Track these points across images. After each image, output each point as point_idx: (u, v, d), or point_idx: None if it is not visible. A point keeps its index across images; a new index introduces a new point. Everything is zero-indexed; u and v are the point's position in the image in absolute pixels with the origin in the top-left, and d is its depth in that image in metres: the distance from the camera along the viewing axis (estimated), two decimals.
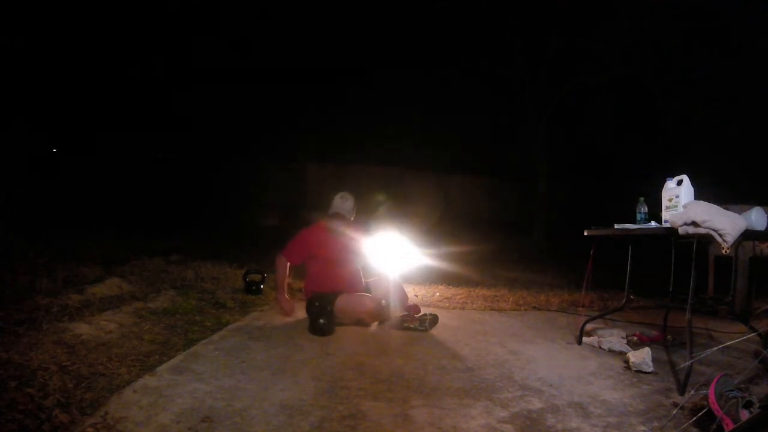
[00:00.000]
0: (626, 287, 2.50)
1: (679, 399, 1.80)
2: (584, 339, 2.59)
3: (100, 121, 11.23)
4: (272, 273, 3.24)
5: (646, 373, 2.09)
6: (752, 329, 2.33)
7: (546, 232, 10.22)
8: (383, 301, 2.78)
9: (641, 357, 2.14)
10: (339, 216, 2.99)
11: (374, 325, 2.82)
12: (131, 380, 1.73)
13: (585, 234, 2.55)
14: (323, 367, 2.03)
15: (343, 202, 3.02)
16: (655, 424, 1.58)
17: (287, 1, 10.89)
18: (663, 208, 2.23)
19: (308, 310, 2.73)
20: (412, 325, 2.73)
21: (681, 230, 2.00)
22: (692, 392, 1.80)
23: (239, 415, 1.52)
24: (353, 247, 2.95)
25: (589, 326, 2.69)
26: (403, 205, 9.17)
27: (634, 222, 2.36)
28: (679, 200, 2.14)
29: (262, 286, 3.48)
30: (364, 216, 3.08)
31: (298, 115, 11.85)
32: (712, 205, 1.98)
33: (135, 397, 1.61)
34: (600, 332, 2.66)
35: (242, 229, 8.51)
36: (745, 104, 8.58)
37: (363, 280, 3.01)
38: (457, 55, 9.79)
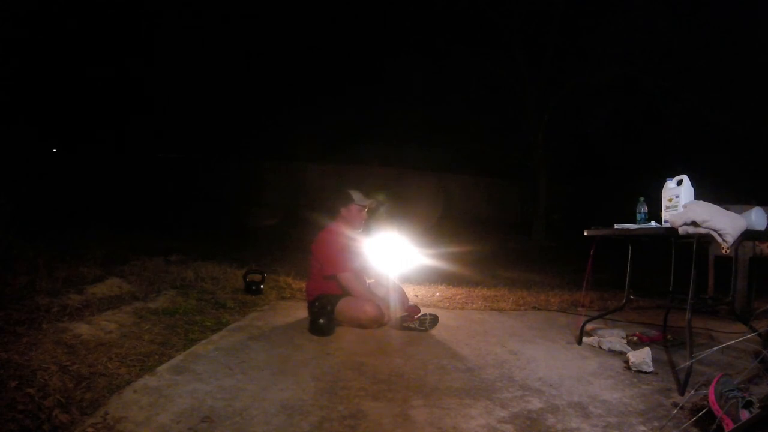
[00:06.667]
0: (626, 287, 2.50)
1: (679, 399, 1.80)
2: (584, 339, 2.59)
3: (100, 120, 11.24)
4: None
5: (646, 373, 2.09)
6: (752, 329, 2.33)
7: (546, 232, 10.22)
8: (385, 308, 2.77)
9: (641, 357, 2.14)
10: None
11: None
12: (131, 380, 1.73)
13: (585, 234, 2.55)
14: (323, 367, 2.03)
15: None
16: (655, 424, 1.58)
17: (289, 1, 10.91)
18: (663, 208, 2.23)
19: (310, 310, 2.75)
20: (412, 325, 2.72)
21: (681, 230, 2.00)
22: (692, 392, 1.80)
23: (239, 415, 1.52)
24: (356, 248, 2.94)
25: (589, 326, 2.69)
26: (402, 205, 9.18)
27: (634, 222, 2.36)
28: (679, 200, 2.14)
29: (262, 286, 3.48)
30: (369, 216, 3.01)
31: (298, 114, 11.86)
32: (712, 205, 1.98)
33: (135, 397, 1.61)
34: (600, 332, 2.66)
35: (242, 229, 8.51)
36: (745, 104, 8.58)
37: (366, 280, 3.01)
38: (458, 55, 9.80)
